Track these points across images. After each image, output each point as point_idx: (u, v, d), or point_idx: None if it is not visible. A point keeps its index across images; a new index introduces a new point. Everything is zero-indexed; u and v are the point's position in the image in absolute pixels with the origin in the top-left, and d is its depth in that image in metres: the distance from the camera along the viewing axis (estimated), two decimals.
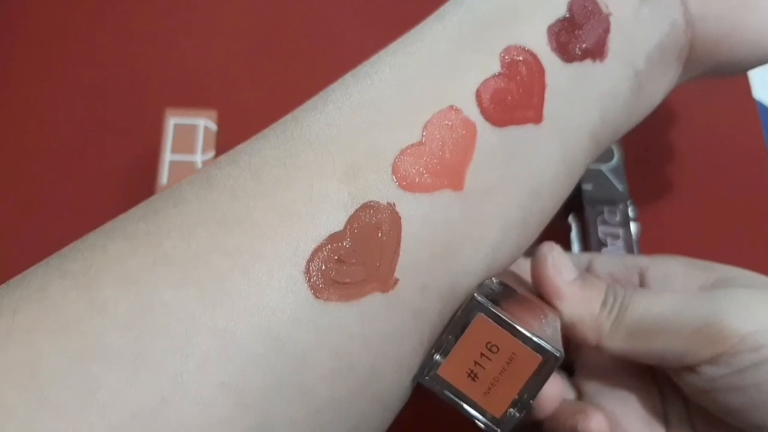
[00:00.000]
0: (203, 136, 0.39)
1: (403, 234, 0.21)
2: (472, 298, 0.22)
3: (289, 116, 0.23)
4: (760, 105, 0.47)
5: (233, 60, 0.47)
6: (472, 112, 0.22)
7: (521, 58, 0.23)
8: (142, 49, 0.47)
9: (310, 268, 0.20)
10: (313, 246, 0.20)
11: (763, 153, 0.45)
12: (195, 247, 0.19)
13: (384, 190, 0.21)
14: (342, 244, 0.20)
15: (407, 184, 0.21)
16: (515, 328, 0.22)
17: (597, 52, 0.24)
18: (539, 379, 0.22)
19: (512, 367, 0.22)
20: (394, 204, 0.21)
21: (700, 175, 0.44)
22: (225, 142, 0.37)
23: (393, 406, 0.23)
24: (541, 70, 0.23)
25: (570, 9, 0.24)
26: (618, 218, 0.40)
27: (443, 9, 0.25)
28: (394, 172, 0.21)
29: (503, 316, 0.22)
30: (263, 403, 0.19)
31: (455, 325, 0.23)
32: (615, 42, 0.25)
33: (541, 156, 0.23)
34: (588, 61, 0.24)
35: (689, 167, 0.44)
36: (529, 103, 0.23)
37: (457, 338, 0.22)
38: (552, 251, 0.28)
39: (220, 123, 0.40)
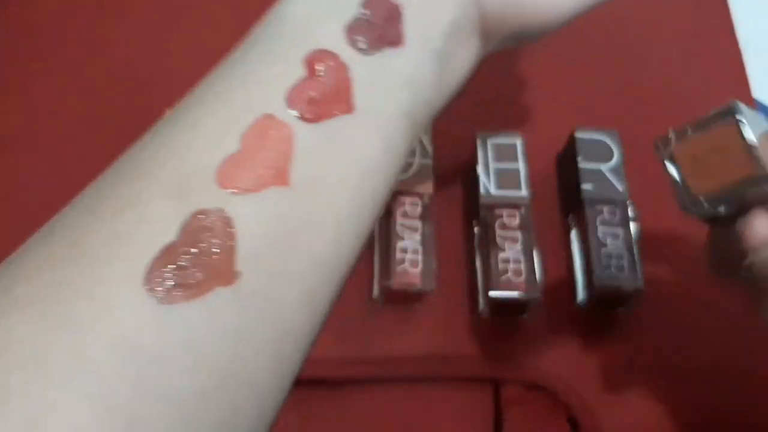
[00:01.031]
0: None
1: (237, 232, 0.23)
2: (732, 104, 0.26)
3: (123, 154, 0.26)
4: (760, 105, 0.48)
5: None
6: (286, 116, 0.25)
7: (323, 60, 0.26)
8: (144, 50, 0.47)
9: (151, 279, 0.22)
10: (150, 260, 0.22)
11: None
12: (41, 287, 0.22)
13: (211, 198, 0.23)
14: (177, 251, 0.22)
15: (232, 189, 0.23)
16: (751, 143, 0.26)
17: (394, 40, 0.27)
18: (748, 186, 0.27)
19: (730, 169, 0.27)
20: (222, 208, 0.23)
21: None
22: None
23: (268, 393, 0.25)
24: (343, 67, 0.26)
25: (363, 6, 0.27)
26: (618, 218, 0.40)
27: (251, 32, 0.28)
28: (218, 181, 0.23)
29: (746, 128, 0.26)
30: (129, 406, 0.21)
31: (701, 121, 0.27)
32: (409, 28, 0.27)
33: (360, 141, 0.26)
34: (388, 50, 0.27)
35: None
36: (338, 97, 0.26)
37: (699, 130, 0.27)
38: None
39: None
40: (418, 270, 0.37)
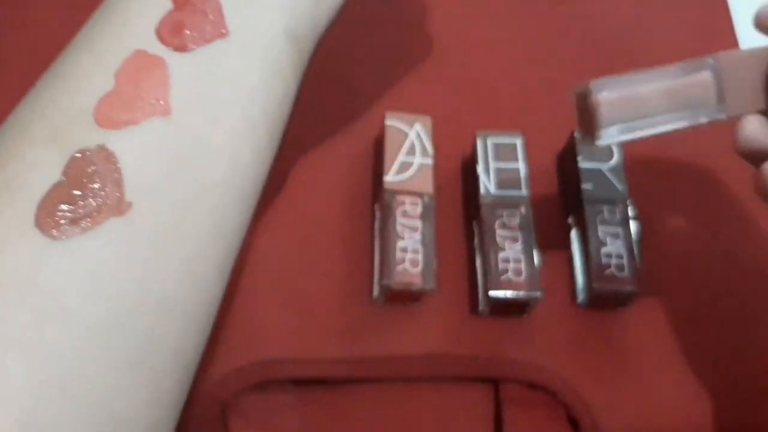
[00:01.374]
0: None
1: (123, 165, 0.24)
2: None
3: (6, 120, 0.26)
4: None
5: None
6: (158, 48, 0.25)
7: None
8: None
9: (41, 220, 0.23)
10: (37, 202, 0.23)
11: None
12: None
13: (91, 137, 0.24)
14: (65, 190, 0.23)
15: (112, 125, 0.24)
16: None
17: None
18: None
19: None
20: (103, 144, 0.24)
21: (699, 175, 0.44)
22: None
23: (187, 315, 0.25)
24: None
25: None
26: (618, 218, 0.40)
27: None
28: (96, 120, 0.24)
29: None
30: (29, 338, 0.21)
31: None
32: None
33: (240, 63, 0.26)
34: None
35: (689, 167, 0.44)
36: (209, 23, 0.26)
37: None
38: None
39: None
40: (418, 270, 0.37)
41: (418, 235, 0.38)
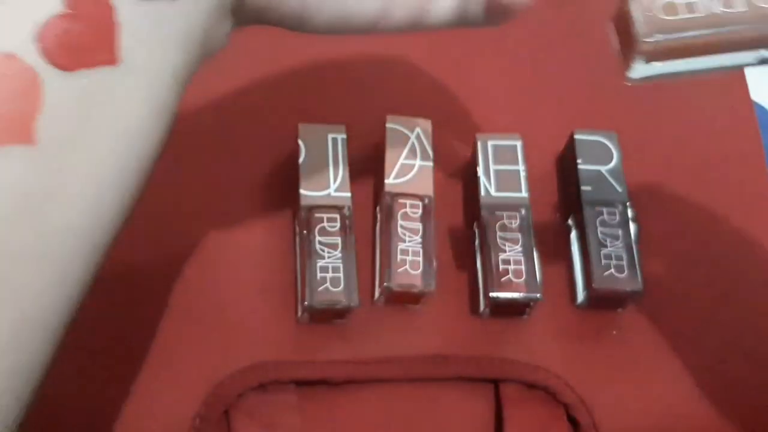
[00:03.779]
0: None
1: None
2: None
3: None
4: (758, 107, 0.48)
5: None
6: (33, 58, 0.21)
7: None
8: None
9: None
10: None
11: (760, 154, 0.45)
12: None
13: None
14: None
15: None
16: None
17: None
18: None
19: None
20: None
21: (698, 176, 0.44)
22: None
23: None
24: (109, 8, 0.22)
25: None
26: (617, 219, 0.40)
27: None
28: None
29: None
30: None
31: None
32: None
33: (123, 97, 0.22)
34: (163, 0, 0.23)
35: (687, 168, 0.45)
36: (100, 44, 0.22)
37: None
38: None
39: None
40: (418, 272, 0.37)
41: (418, 238, 0.38)
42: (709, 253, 0.43)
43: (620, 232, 0.40)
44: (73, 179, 0.21)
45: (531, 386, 0.38)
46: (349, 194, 0.39)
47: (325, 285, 0.37)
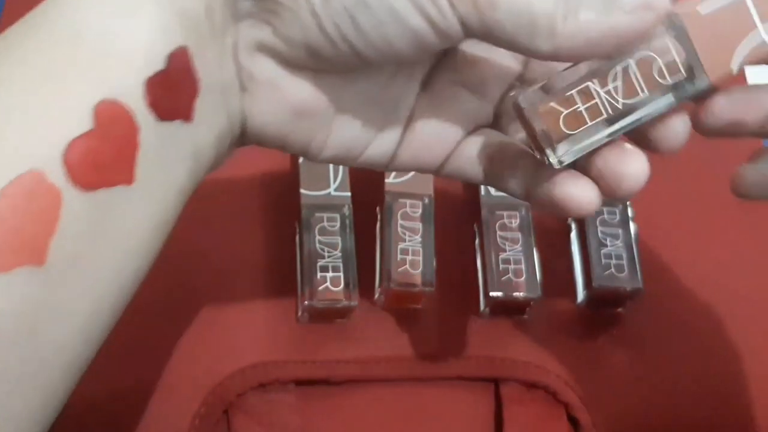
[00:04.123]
0: None
1: None
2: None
3: None
4: None
5: None
6: (58, 177, 0.20)
7: (115, 116, 0.21)
8: None
9: None
10: None
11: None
12: None
13: None
14: None
15: None
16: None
17: (185, 113, 0.23)
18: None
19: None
20: None
21: (698, 175, 0.44)
22: None
23: None
24: (134, 129, 0.22)
25: (169, 62, 0.22)
26: (617, 219, 0.40)
27: (33, 20, 0.23)
28: None
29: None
30: None
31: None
32: (201, 105, 0.24)
33: (132, 216, 0.22)
34: (177, 122, 0.23)
35: (688, 168, 0.44)
36: (121, 164, 0.21)
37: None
38: None
39: None
40: (418, 271, 0.38)
41: (418, 237, 0.38)
42: (709, 253, 0.43)
43: (620, 231, 0.40)
44: (72, 297, 0.21)
45: (531, 386, 0.38)
46: (349, 194, 0.39)
47: (325, 284, 0.37)
